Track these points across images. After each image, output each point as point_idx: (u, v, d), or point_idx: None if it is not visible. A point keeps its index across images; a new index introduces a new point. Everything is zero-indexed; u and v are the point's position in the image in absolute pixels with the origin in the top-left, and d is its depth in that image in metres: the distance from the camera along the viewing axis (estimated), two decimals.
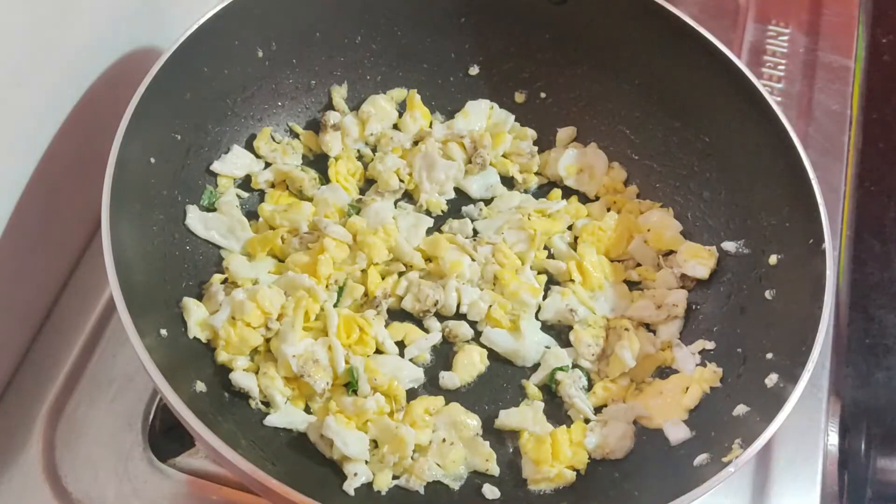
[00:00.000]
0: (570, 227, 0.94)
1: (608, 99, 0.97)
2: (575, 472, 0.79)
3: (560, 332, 0.88)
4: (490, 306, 0.87)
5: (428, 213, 0.94)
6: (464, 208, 0.95)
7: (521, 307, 0.87)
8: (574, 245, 0.93)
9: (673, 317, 0.87)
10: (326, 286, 0.84)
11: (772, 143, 0.84)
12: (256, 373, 0.80)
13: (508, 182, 0.97)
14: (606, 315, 0.88)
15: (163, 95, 0.79)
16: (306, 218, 0.88)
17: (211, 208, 0.88)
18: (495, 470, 0.79)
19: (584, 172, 0.97)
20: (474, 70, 1.00)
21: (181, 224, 0.84)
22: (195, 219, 0.85)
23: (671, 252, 0.91)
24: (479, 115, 0.99)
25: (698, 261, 0.88)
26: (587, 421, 0.82)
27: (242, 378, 0.78)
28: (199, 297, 0.82)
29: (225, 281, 0.84)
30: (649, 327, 0.88)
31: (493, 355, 0.86)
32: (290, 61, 0.93)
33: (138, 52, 0.91)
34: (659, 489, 0.72)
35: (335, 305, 0.84)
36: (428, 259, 0.90)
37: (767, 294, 0.82)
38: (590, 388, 0.85)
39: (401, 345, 0.85)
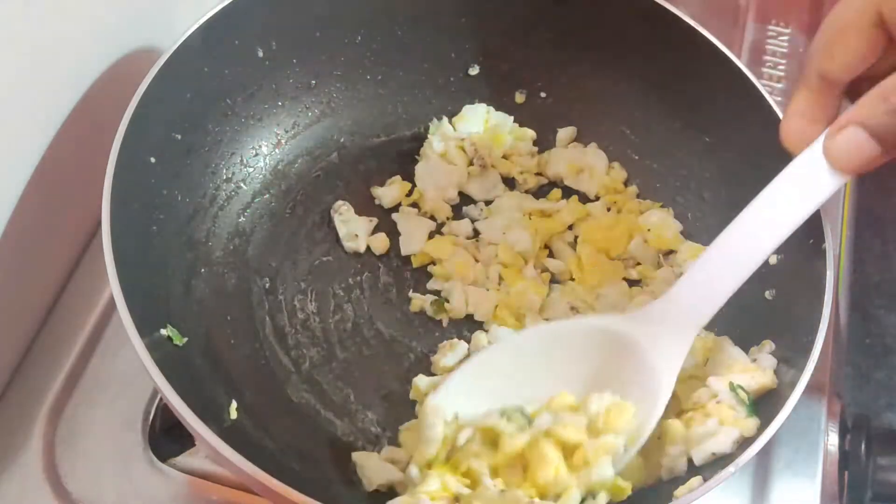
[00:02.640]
0: (570, 227, 0.94)
1: (608, 99, 0.97)
2: None
3: None
4: (496, 305, 0.87)
5: (432, 218, 0.94)
6: (465, 209, 0.95)
7: (526, 305, 0.87)
8: (574, 244, 0.93)
9: None
10: None
11: (772, 143, 0.84)
12: None
13: (509, 182, 0.97)
14: (606, 311, 0.88)
15: (163, 95, 0.79)
16: None
17: None
18: None
19: (585, 172, 0.97)
20: (474, 70, 1.00)
21: (182, 224, 0.84)
22: None
23: (671, 252, 0.91)
24: (477, 118, 0.99)
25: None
26: None
27: None
28: None
29: None
30: None
31: None
32: (290, 61, 0.93)
33: (138, 52, 0.91)
34: (659, 489, 0.72)
35: None
36: (432, 262, 0.90)
37: (767, 294, 0.82)
38: None
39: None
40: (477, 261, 0.90)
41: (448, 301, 0.88)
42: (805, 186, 0.70)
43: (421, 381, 0.82)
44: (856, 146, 0.65)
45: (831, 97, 0.69)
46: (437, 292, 0.89)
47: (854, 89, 0.68)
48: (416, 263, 0.91)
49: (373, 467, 0.75)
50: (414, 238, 0.91)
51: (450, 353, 0.84)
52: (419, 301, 0.88)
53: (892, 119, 0.62)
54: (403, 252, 0.91)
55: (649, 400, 0.71)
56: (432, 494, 0.71)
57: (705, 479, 0.68)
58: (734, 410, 0.74)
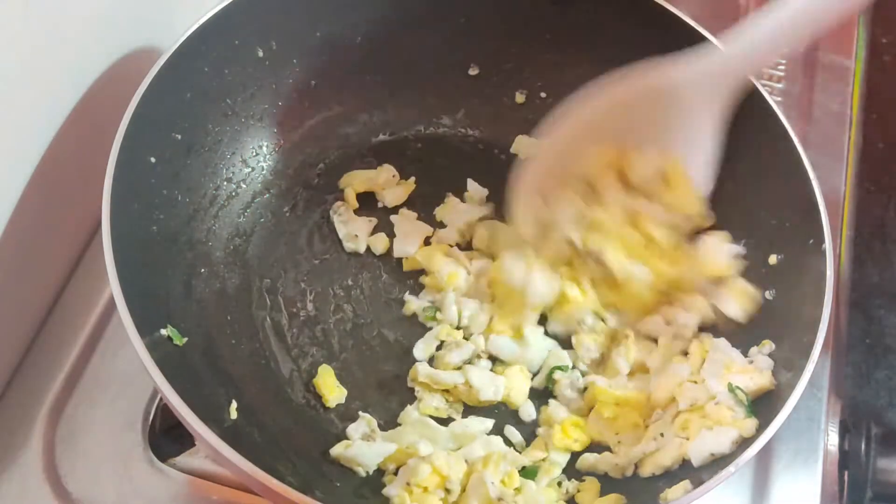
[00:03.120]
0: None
1: None
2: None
3: (564, 336, 0.88)
4: (491, 318, 0.86)
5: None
6: None
7: (521, 318, 0.86)
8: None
9: (679, 336, 0.83)
10: None
11: (772, 142, 0.84)
12: None
13: None
14: (615, 326, 0.86)
15: (163, 95, 0.79)
16: None
17: None
18: None
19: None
20: (474, 70, 1.00)
21: (182, 224, 0.84)
22: None
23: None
24: None
25: (737, 301, 0.83)
26: None
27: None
28: None
29: None
30: None
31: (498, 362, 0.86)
32: (290, 61, 0.93)
33: (138, 52, 0.91)
34: (658, 489, 0.72)
35: None
36: (422, 271, 0.90)
37: (767, 294, 0.82)
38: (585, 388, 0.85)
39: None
40: (469, 273, 0.89)
41: (440, 311, 0.87)
42: None
43: (421, 367, 0.83)
44: None
45: None
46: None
47: None
48: (406, 267, 0.91)
49: (363, 453, 0.76)
50: (408, 241, 0.91)
51: (455, 350, 0.84)
52: (413, 305, 0.88)
53: None
54: (396, 254, 0.91)
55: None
56: (423, 484, 0.72)
57: (703, 481, 0.68)
58: (732, 411, 0.74)
